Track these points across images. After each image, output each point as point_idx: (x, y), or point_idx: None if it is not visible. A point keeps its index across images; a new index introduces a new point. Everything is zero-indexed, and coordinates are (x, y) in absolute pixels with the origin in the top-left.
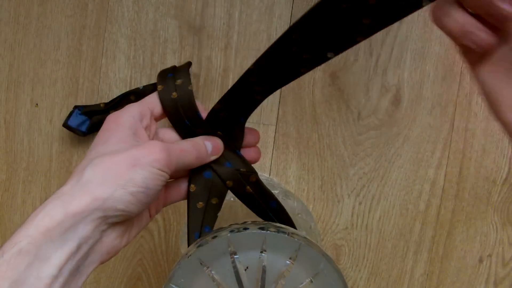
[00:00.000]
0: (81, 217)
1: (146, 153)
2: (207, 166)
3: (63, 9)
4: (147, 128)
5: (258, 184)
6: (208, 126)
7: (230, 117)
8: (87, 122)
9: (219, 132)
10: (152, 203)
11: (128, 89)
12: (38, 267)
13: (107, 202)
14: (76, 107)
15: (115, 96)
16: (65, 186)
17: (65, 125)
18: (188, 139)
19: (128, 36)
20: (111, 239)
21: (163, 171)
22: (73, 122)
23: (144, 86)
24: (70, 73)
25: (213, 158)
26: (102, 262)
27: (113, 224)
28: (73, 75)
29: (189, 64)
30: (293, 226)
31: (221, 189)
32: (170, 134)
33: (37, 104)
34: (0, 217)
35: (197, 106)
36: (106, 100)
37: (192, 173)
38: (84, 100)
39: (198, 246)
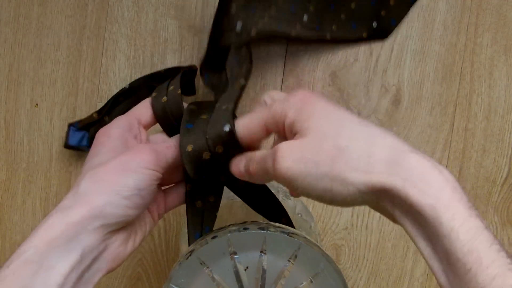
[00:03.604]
0: (82, 227)
1: (134, 156)
2: None
3: (63, 9)
4: (136, 137)
5: None
6: None
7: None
8: (86, 136)
9: None
10: (150, 205)
11: None
12: (44, 276)
13: (105, 209)
14: (70, 124)
15: None
16: (64, 200)
17: (66, 145)
18: (175, 136)
19: (128, 36)
20: (115, 246)
21: (153, 170)
22: (73, 141)
23: (129, 84)
24: (70, 73)
25: None
26: (109, 271)
27: (115, 231)
28: (73, 75)
29: (190, 68)
30: (287, 218)
31: (217, 185)
32: (161, 137)
33: (37, 104)
34: (0, 217)
35: (184, 108)
36: (106, 100)
37: (186, 173)
38: (84, 100)
39: (198, 246)
